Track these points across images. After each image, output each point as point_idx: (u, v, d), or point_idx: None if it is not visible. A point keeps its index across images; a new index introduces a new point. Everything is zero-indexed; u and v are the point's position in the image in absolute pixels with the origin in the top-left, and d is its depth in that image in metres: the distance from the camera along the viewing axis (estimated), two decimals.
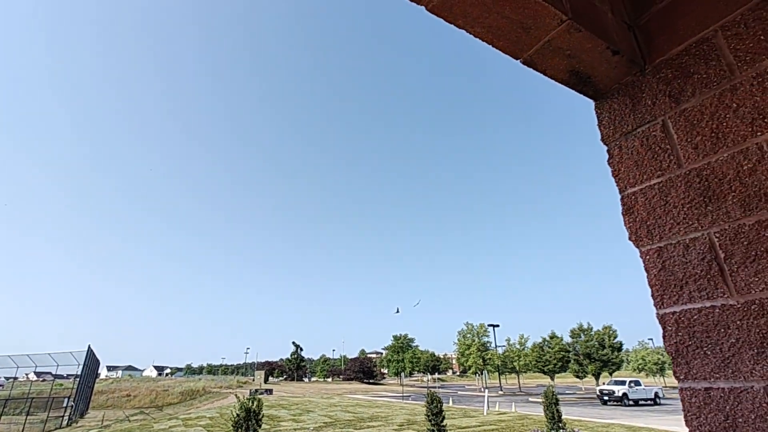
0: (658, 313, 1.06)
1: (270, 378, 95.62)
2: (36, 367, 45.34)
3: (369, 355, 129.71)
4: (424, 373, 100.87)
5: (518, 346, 71.27)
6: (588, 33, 1.06)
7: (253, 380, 65.74)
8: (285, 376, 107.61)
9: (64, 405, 28.84)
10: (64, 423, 26.73)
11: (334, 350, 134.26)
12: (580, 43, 1.08)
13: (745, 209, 0.93)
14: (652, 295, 1.07)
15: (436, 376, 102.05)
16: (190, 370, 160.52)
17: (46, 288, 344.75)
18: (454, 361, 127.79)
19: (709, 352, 0.94)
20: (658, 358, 64.25)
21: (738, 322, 0.90)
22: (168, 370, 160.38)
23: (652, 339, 72.27)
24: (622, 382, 35.06)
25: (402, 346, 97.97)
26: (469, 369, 75.52)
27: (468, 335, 77.44)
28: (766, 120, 0.93)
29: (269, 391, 44.61)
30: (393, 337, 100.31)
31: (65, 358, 39.30)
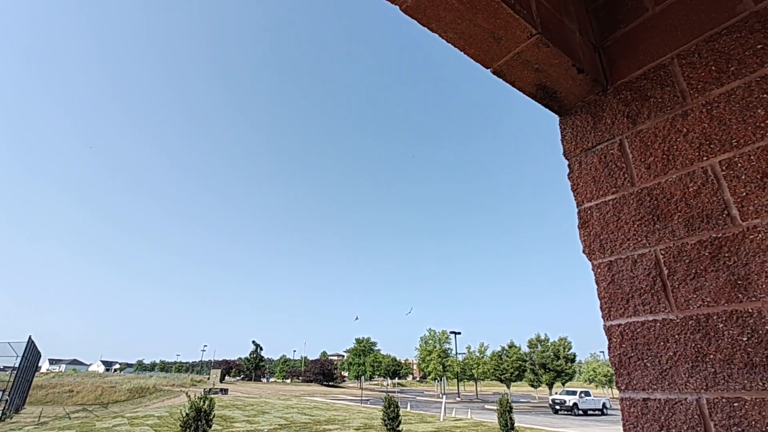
0: (605, 325, 1.09)
1: (227, 377, 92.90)
2: None
3: (330, 358, 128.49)
4: (384, 377, 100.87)
5: (478, 354, 72.64)
6: (556, 49, 1.09)
7: (209, 379, 63.56)
8: (243, 376, 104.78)
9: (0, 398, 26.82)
10: None
11: (295, 351, 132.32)
12: (548, 58, 1.11)
13: (689, 229, 0.97)
14: (601, 308, 1.11)
15: (396, 380, 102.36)
16: (141, 367, 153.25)
17: None
18: (414, 367, 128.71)
19: (648, 364, 0.98)
20: (608, 370, 67.23)
21: (676, 337, 0.94)
22: (117, 366, 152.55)
23: (603, 351, 75.54)
24: (573, 392, 36.38)
25: (364, 349, 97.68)
26: (429, 375, 76.24)
27: (430, 341, 78.23)
28: (712, 146, 0.98)
29: (224, 391, 43.26)
30: (356, 340, 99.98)
31: (3, 348, 36.51)
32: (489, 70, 1.16)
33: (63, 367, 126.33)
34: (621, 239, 1.10)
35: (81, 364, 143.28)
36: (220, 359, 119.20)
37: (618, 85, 1.20)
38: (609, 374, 66.84)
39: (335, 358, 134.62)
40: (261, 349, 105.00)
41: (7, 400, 26.86)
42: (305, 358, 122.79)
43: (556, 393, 40.19)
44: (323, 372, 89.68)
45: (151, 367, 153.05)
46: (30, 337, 29.67)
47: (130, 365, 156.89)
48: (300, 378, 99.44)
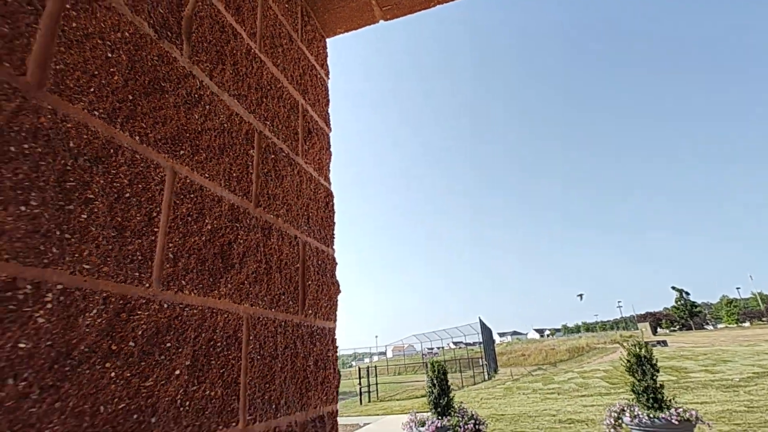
0: None
1: (658, 329, 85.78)
2: (452, 338, 60.03)
3: None
4: None
5: None
6: None
7: (638, 332, 60.92)
8: (678, 326, 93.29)
9: (481, 364, 36.56)
10: (486, 377, 33.83)
11: (738, 288, 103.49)
12: None
13: None
14: None
15: None
16: (567, 330, 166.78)
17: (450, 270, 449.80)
18: None
19: None
20: None
21: None
22: (547, 332, 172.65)
23: None
24: None
25: None
26: None
27: None
28: None
29: (663, 343, 40.05)
30: None
31: (467, 329, 50.11)
32: None
33: (509, 337, 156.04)
34: None
35: (520, 333, 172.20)
36: (642, 312, 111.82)
37: None
38: None
39: None
40: (687, 294, 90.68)
41: (486, 365, 36.13)
42: (760, 294, 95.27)
43: None
44: None
45: (576, 329, 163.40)
46: (480, 318, 38.91)
47: (557, 330, 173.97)
48: (763, 319, 77.63)
